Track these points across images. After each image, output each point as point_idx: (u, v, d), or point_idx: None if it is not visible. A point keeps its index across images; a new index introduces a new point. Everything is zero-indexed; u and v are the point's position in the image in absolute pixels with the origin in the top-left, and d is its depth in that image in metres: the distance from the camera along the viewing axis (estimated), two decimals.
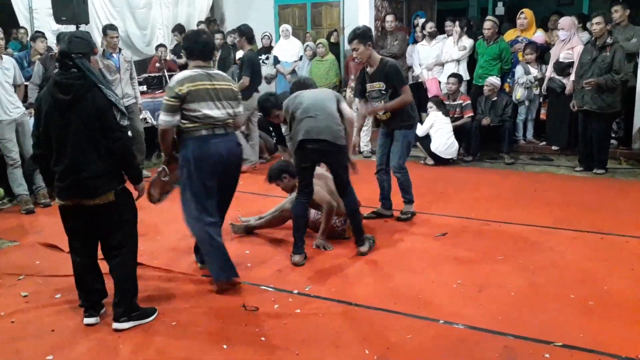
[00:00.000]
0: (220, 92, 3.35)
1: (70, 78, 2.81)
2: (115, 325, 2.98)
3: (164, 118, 3.25)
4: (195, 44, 3.36)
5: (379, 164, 4.67)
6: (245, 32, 6.49)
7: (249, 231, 4.34)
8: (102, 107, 2.81)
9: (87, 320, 3.04)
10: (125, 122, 2.91)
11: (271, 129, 5.38)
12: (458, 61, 7.42)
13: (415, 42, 7.87)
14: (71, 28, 6.60)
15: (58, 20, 6.56)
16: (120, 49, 6.26)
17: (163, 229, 4.52)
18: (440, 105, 6.72)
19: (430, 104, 6.77)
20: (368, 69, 4.40)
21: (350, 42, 4.25)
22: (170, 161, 3.43)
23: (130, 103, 6.22)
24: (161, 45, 8.40)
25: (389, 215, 4.69)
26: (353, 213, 3.86)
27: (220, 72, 3.47)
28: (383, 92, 4.38)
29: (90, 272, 3.04)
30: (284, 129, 4.86)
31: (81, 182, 2.82)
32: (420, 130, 6.66)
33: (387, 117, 4.49)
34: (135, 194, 3.06)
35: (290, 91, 4.28)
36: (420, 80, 7.69)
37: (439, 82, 7.59)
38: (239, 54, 7.72)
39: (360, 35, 4.16)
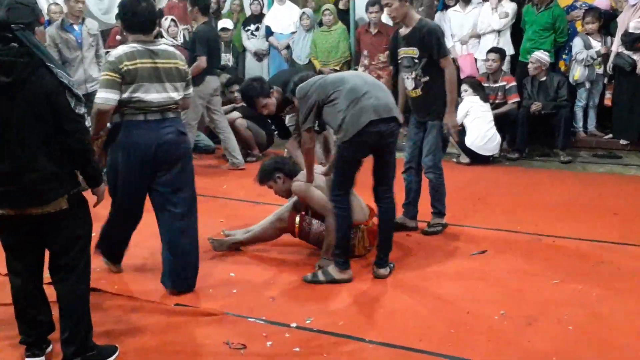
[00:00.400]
0: (163, 73, 3.48)
1: (11, 55, 2.71)
2: None
3: (103, 95, 3.37)
4: (134, 16, 3.47)
5: (408, 160, 4.68)
6: (198, 0, 6.31)
7: (233, 248, 4.34)
8: (53, 91, 2.74)
9: None
10: (82, 110, 2.86)
11: (269, 120, 5.36)
12: (499, 32, 7.40)
13: (445, 7, 7.87)
14: None
15: None
16: (83, 19, 6.26)
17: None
18: (477, 88, 6.73)
19: (464, 87, 6.76)
20: (402, 30, 4.46)
21: None
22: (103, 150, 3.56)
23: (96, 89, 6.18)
24: None
25: (413, 228, 4.70)
26: (388, 223, 3.87)
27: (167, 47, 3.60)
28: (415, 60, 4.40)
29: (33, 300, 3.00)
30: (287, 119, 4.86)
31: (27, 186, 2.74)
32: (458, 115, 6.65)
33: (416, 94, 4.48)
34: (92, 200, 3.04)
35: (286, 88, 4.28)
36: (451, 57, 7.67)
37: (475, 60, 7.59)
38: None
39: None
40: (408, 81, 4.48)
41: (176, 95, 3.55)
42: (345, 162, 3.70)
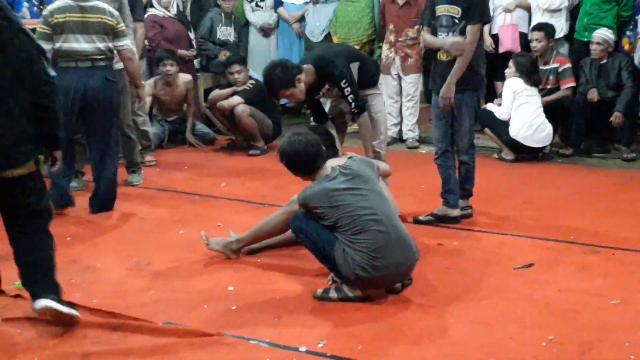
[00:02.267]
0: (90, 26, 4.94)
1: None
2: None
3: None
4: None
5: (441, 144, 4.89)
6: None
7: (229, 249, 4.35)
8: (34, 55, 3.34)
9: None
10: (53, 73, 3.49)
11: (305, 106, 5.41)
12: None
13: None
14: None
15: None
16: None
17: (104, 254, 4.56)
18: (523, 66, 6.64)
19: (510, 64, 6.70)
20: None
21: None
22: None
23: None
24: None
25: (456, 220, 4.94)
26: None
27: (99, 4, 4.99)
28: (456, 20, 4.62)
29: None
30: (328, 105, 4.94)
31: (6, 148, 3.25)
32: (500, 110, 6.63)
33: (447, 57, 4.69)
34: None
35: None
36: (494, 32, 7.66)
37: (521, 35, 7.48)
38: None
39: None
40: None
41: (102, 46, 5.01)
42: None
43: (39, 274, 3.47)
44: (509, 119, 6.61)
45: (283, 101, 8.41)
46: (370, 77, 5.19)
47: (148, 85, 7.27)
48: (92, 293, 3.92)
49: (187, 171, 6.57)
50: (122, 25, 5.16)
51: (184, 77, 7.55)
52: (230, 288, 3.99)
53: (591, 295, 3.83)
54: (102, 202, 5.31)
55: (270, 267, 4.27)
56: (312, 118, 5.29)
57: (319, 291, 3.83)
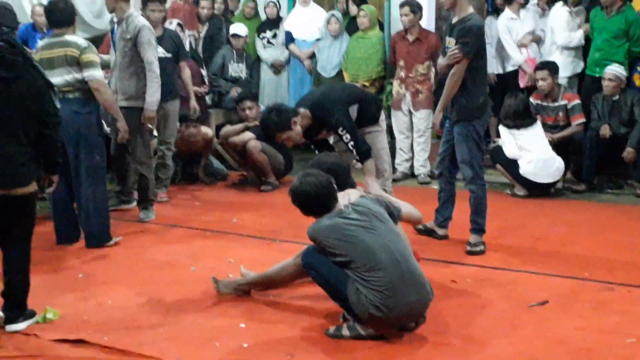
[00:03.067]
0: (55, 60, 5.09)
1: (9, 53, 3.66)
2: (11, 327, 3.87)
3: None
4: (50, 13, 5.15)
5: (439, 163, 5.29)
6: None
7: (241, 290, 4.34)
8: (43, 89, 3.78)
9: None
10: (59, 104, 3.90)
11: (312, 146, 5.47)
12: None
13: (495, 9, 7.91)
14: None
15: None
16: None
17: (116, 290, 4.56)
18: (510, 111, 6.73)
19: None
20: (453, 19, 5.06)
21: None
22: None
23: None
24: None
25: (442, 237, 5.32)
26: None
27: (67, 38, 5.14)
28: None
29: None
30: (331, 139, 5.01)
31: (13, 169, 3.72)
32: (507, 149, 6.66)
33: None
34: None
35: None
36: (512, 67, 7.68)
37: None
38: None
39: None
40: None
41: (69, 78, 5.10)
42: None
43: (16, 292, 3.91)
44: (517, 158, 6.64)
45: None
46: (371, 115, 5.23)
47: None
48: (103, 330, 3.91)
49: (199, 207, 6.60)
50: (87, 56, 5.12)
51: (205, 132, 7.55)
52: (242, 325, 3.97)
53: (606, 333, 3.80)
54: (87, 235, 5.37)
55: (282, 304, 4.25)
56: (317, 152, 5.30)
57: (332, 329, 3.81)
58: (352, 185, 4.32)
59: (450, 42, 4.94)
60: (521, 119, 6.67)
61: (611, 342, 3.68)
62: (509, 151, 6.68)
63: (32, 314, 4.00)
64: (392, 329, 3.73)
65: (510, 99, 6.81)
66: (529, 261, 4.91)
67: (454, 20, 5.00)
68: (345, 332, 3.75)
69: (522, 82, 7.56)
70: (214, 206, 6.09)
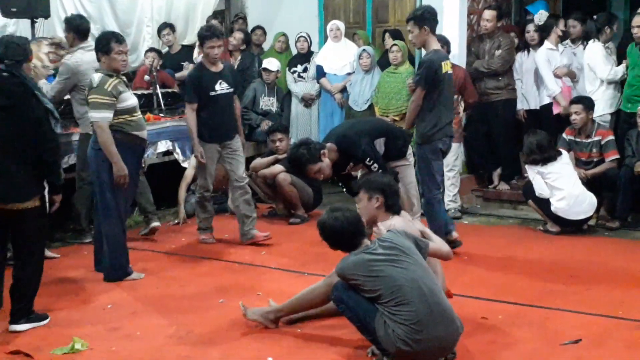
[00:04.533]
0: None
1: (9, 83, 4.17)
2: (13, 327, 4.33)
3: None
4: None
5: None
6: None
7: (269, 319, 4.34)
8: (41, 117, 4.21)
9: None
10: (59, 130, 4.43)
11: (339, 182, 5.53)
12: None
13: (526, 46, 7.91)
14: (24, 22, 7.11)
15: (6, 12, 6.96)
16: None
17: (144, 321, 4.58)
18: (531, 148, 6.64)
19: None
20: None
21: (407, 22, 5.71)
22: None
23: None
24: (152, 49, 8.75)
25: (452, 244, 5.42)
26: None
27: (92, 76, 5.29)
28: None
29: None
30: (359, 174, 5.02)
31: (10, 185, 4.17)
32: (537, 189, 6.61)
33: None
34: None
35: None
36: (548, 100, 7.66)
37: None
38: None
39: (418, 17, 5.58)
40: None
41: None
42: None
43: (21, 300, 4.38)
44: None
45: None
46: (398, 149, 5.29)
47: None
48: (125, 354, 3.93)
49: (227, 239, 6.62)
50: (90, 97, 5.21)
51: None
52: (270, 359, 3.96)
53: None
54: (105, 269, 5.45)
55: (310, 338, 4.23)
56: (344, 190, 5.32)
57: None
58: (397, 211, 4.30)
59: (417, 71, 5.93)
60: (547, 152, 6.61)
61: None
62: (538, 190, 6.63)
63: (40, 318, 4.45)
64: None
65: (531, 136, 6.75)
66: (562, 298, 4.85)
67: None
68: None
69: (556, 109, 7.51)
70: (237, 236, 6.12)
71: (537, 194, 6.66)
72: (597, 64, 7.33)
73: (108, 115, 5.16)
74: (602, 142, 6.90)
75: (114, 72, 5.27)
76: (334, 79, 8.53)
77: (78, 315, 4.67)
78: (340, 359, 3.93)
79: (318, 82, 8.59)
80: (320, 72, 8.55)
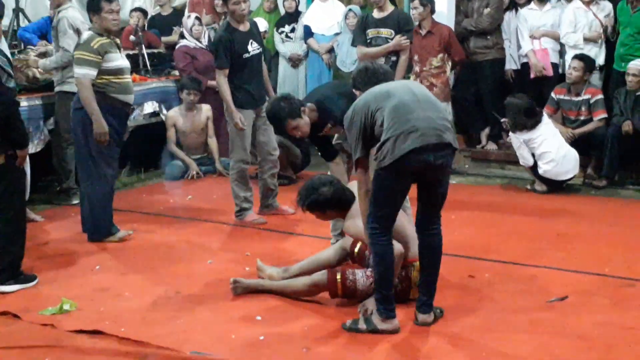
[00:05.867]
0: None
1: None
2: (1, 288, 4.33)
3: None
4: None
5: None
6: None
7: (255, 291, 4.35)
8: None
9: None
10: (12, 84, 4.48)
11: (314, 143, 5.43)
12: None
13: (514, 5, 7.85)
14: None
15: None
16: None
17: (133, 282, 4.60)
18: (519, 110, 6.62)
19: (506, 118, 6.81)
20: (375, 14, 6.35)
21: None
22: None
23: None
24: (138, 9, 8.65)
25: None
26: (434, 263, 3.84)
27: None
28: (389, 40, 6.15)
29: None
30: (334, 138, 4.93)
31: None
32: (521, 160, 6.63)
33: None
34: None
35: (354, 86, 4.29)
36: (524, 60, 7.65)
37: (557, 65, 7.53)
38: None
39: None
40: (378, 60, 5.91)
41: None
42: (383, 193, 3.66)
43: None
44: (535, 159, 6.58)
45: None
46: None
47: (169, 116, 7.51)
48: (120, 322, 3.94)
49: (215, 200, 6.61)
50: (75, 53, 5.19)
51: (204, 107, 7.66)
52: (258, 318, 3.98)
53: (626, 329, 3.77)
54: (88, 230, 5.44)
55: (299, 297, 4.25)
56: (320, 154, 5.18)
57: (348, 322, 3.81)
58: (351, 201, 4.31)
59: (384, 32, 6.28)
60: (533, 116, 6.60)
61: (631, 338, 3.66)
62: (522, 160, 6.64)
63: (28, 279, 4.46)
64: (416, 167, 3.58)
65: (513, 103, 6.71)
66: (548, 257, 4.88)
67: (380, 15, 6.35)
68: (362, 325, 3.75)
69: (532, 74, 7.50)
70: (230, 199, 6.09)
71: (521, 163, 6.69)
72: (561, 25, 7.36)
73: (91, 72, 5.07)
74: (591, 101, 6.90)
75: (106, 32, 5.18)
76: (321, 39, 8.46)
77: (66, 277, 4.66)
78: (327, 317, 3.96)
79: (306, 43, 8.52)
80: (308, 32, 8.47)
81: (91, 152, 5.20)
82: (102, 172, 5.28)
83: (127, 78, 5.34)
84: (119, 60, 5.25)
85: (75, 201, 6.21)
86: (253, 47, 5.74)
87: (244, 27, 5.72)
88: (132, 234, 5.43)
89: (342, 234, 4.71)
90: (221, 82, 5.68)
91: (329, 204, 4.28)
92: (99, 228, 5.34)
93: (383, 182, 3.62)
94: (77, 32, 5.99)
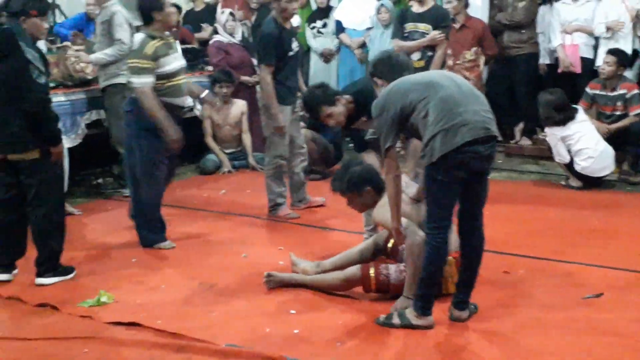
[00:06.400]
0: None
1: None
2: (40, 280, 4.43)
3: None
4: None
5: None
6: None
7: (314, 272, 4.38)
8: (22, 66, 4.18)
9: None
10: (43, 80, 4.29)
11: (347, 138, 5.42)
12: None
13: (549, 0, 7.77)
14: None
15: None
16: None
17: (169, 275, 4.66)
18: (553, 106, 6.52)
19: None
20: (414, 8, 6.41)
21: None
22: None
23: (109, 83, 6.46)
24: (172, 5, 8.67)
25: None
26: (475, 259, 3.80)
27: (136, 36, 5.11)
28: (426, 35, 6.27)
29: (9, 227, 4.47)
30: (370, 132, 4.91)
31: (8, 136, 4.24)
32: (557, 157, 6.56)
33: (419, 65, 5.88)
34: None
35: (374, 74, 4.26)
36: (556, 55, 7.57)
37: (585, 60, 7.42)
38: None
39: None
40: (415, 54, 6.22)
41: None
42: (438, 189, 3.60)
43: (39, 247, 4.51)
44: (572, 156, 6.51)
45: None
46: None
47: (205, 107, 7.60)
48: (156, 314, 3.99)
49: (249, 195, 6.65)
50: (129, 61, 4.95)
51: (240, 102, 7.71)
52: (293, 312, 4.00)
53: None
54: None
55: (331, 294, 4.25)
56: (351, 145, 5.19)
57: (382, 317, 3.81)
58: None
59: (421, 27, 6.35)
60: (565, 111, 6.53)
61: None
62: (557, 157, 6.56)
63: (66, 271, 4.52)
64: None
65: (545, 98, 6.65)
66: (583, 253, 4.83)
67: (420, 9, 6.41)
68: (396, 320, 3.75)
69: (560, 69, 7.43)
70: (264, 194, 6.13)
71: (556, 160, 6.62)
72: (594, 18, 7.27)
73: (149, 80, 4.85)
74: (627, 96, 6.80)
75: (164, 30, 5.01)
76: (353, 34, 8.43)
77: (104, 269, 4.73)
78: (361, 311, 3.96)
79: (337, 38, 8.51)
80: (340, 27, 8.46)
81: (146, 155, 4.96)
82: (151, 174, 5.05)
83: (181, 80, 5.09)
84: (173, 63, 5.00)
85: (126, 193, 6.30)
86: (295, 45, 5.82)
87: (289, 25, 5.80)
88: (175, 246, 5.19)
89: (374, 230, 4.71)
90: (267, 79, 5.65)
91: (364, 181, 4.24)
92: (151, 235, 5.16)
93: (436, 178, 3.57)
94: (130, 26, 6.08)
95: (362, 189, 4.25)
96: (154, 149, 4.97)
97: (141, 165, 5.00)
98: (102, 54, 6.33)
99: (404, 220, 3.88)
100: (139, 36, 4.98)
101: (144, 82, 4.84)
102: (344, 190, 4.32)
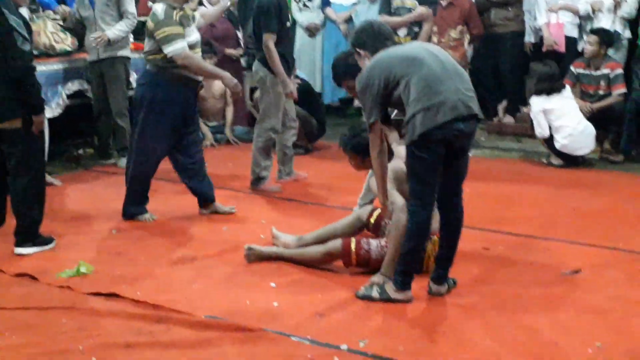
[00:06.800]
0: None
1: None
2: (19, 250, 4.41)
3: None
4: None
5: None
6: None
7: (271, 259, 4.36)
8: (4, 33, 4.10)
9: None
10: (27, 48, 4.25)
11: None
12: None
13: None
14: None
15: None
16: None
17: (149, 247, 4.63)
18: (546, 75, 6.58)
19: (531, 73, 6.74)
20: None
21: None
22: None
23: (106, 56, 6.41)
24: None
25: None
26: (454, 234, 3.82)
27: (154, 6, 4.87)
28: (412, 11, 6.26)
29: None
30: (394, 114, 4.86)
31: None
32: (537, 130, 6.57)
33: (405, 40, 6.04)
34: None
35: (356, 44, 4.20)
36: (542, 34, 7.57)
37: (569, 39, 7.42)
38: None
39: None
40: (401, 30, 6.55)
41: (145, 48, 4.94)
42: (420, 166, 3.60)
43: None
44: (552, 132, 6.52)
45: (327, 100, 8.45)
46: None
47: None
48: (136, 285, 3.98)
49: (231, 168, 6.62)
50: (158, 32, 4.72)
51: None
52: (273, 284, 4.01)
53: (639, 301, 3.76)
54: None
55: (312, 265, 4.26)
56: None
57: (361, 290, 3.82)
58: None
59: (408, 3, 6.74)
60: (556, 82, 6.55)
61: None
62: (538, 129, 6.58)
63: (46, 242, 4.50)
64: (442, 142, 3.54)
65: (542, 66, 6.69)
66: (563, 230, 4.87)
67: None
68: (375, 293, 3.76)
69: (544, 47, 7.43)
70: (246, 168, 6.10)
71: (537, 134, 6.63)
72: None
73: (183, 44, 4.73)
74: (611, 75, 6.82)
75: (182, 2, 4.84)
76: (339, 8, 8.38)
77: (83, 240, 4.71)
78: (341, 284, 3.98)
79: (323, 12, 8.45)
80: (326, 2, 8.41)
81: (144, 128, 4.93)
82: (156, 154, 5.04)
83: (198, 52, 4.98)
84: (192, 35, 4.89)
85: (111, 161, 6.59)
86: (289, 17, 5.84)
87: None
88: (156, 218, 5.17)
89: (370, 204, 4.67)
90: (272, 47, 5.54)
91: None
92: (133, 207, 5.12)
93: (418, 156, 3.56)
94: None
95: (367, 156, 4.09)
96: (156, 124, 4.92)
97: (138, 138, 5.00)
98: (118, 31, 6.31)
99: (397, 197, 3.89)
100: (160, 6, 4.82)
101: (180, 47, 4.72)
102: (351, 150, 4.34)
